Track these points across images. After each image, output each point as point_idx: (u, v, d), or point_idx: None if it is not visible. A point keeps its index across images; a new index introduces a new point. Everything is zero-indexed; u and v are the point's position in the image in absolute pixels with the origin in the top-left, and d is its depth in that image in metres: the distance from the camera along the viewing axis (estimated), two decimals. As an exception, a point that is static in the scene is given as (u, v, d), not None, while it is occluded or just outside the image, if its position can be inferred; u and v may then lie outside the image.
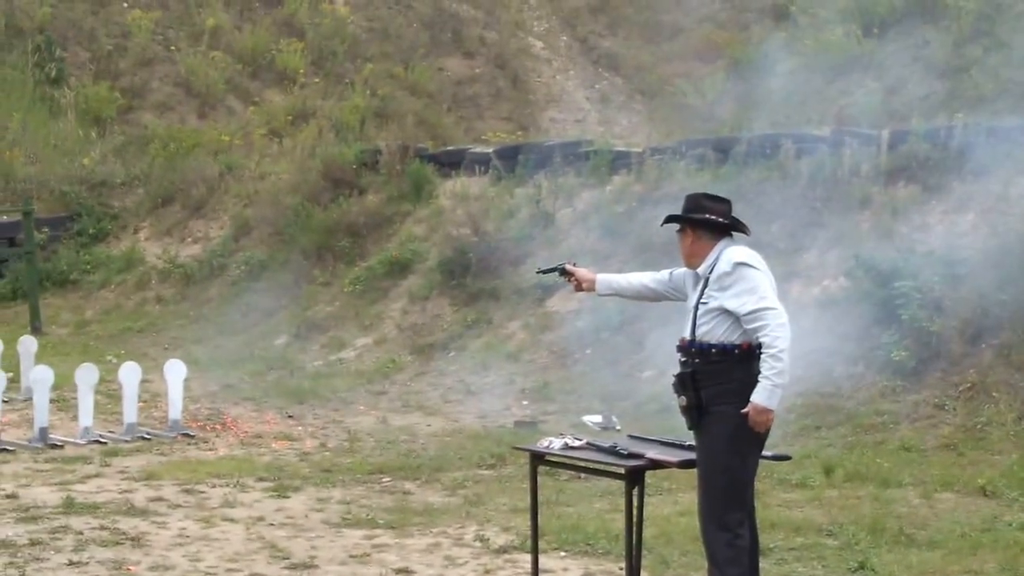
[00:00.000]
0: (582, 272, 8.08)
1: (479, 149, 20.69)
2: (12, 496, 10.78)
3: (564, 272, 8.14)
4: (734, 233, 7.43)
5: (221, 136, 25.56)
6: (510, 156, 19.76)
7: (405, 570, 8.85)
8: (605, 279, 8.02)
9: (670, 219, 7.60)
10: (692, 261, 7.43)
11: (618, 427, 13.14)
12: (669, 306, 8.17)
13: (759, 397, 7.04)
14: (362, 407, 15.21)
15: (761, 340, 7.06)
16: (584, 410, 14.02)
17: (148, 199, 23.25)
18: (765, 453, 7.47)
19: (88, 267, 22.17)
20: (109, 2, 29.29)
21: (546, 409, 14.63)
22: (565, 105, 29.82)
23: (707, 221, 7.38)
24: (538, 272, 9.07)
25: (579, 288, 8.10)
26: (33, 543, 9.34)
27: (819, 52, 22.82)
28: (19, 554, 9.06)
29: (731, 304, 7.15)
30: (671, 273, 7.69)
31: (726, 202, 7.50)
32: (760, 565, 7.46)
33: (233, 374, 16.70)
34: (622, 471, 7.62)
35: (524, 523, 9.43)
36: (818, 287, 14.89)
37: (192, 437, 13.40)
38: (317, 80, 28.81)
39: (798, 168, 16.35)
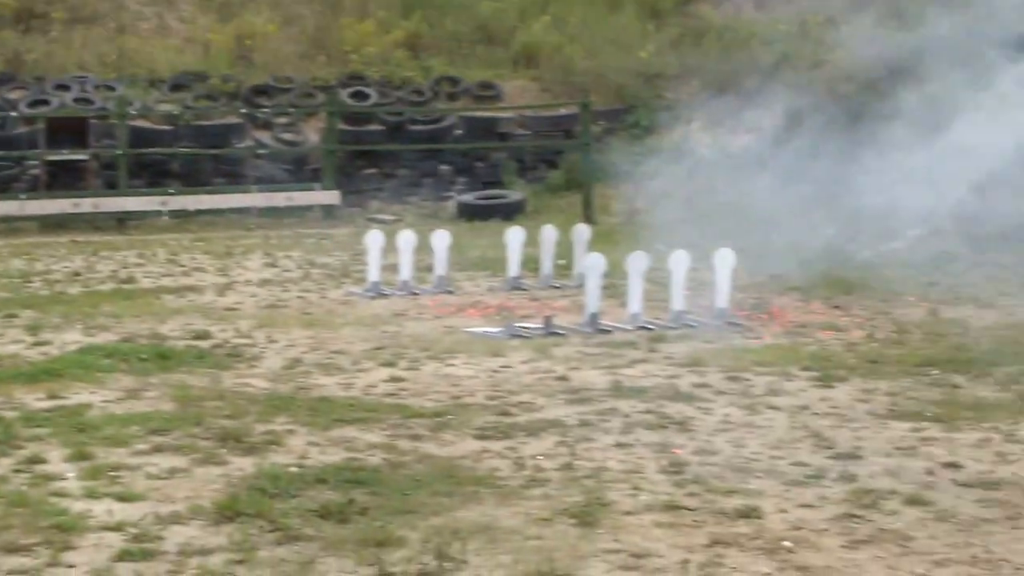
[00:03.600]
0: None
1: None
2: (563, 378, 11.11)
3: None
4: None
5: (777, 25, 25.36)
6: None
7: (953, 464, 8.48)
8: None
9: None
10: None
11: None
12: None
13: None
14: (911, 298, 14.77)
15: None
16: None
17: (701, 90, 23.36)
18: None
19: (639, 158, 22.55)
20: None
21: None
22: None
23: None
24: None
25: None
26: (582, 424, 9.57)
27: None
28: (569, 434, 9.30)
29: None
30: None
31: None
32: None
33: (779, 264, 16.59)
34: None
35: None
36: None
37: (738, 326, 13.42)
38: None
39: None
